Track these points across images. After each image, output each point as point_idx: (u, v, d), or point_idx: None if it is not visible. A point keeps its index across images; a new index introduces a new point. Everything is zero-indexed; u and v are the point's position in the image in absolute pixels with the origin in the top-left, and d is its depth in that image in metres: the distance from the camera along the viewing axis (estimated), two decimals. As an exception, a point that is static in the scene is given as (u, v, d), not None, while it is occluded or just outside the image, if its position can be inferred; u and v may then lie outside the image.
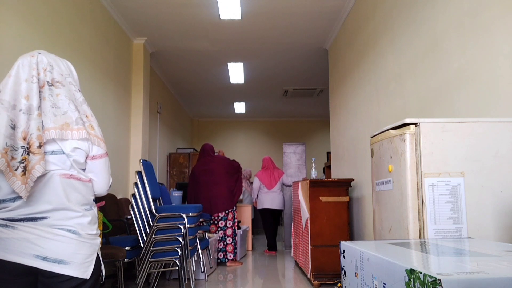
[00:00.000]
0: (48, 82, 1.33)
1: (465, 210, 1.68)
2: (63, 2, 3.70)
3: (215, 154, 5.61)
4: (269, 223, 6.31)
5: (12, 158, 1.22)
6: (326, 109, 9.39)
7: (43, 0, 3.35)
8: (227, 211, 5.20)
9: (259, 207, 6.37)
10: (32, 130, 1.24)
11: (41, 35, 3.33)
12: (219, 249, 5.19)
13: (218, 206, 5.12)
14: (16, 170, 1.21)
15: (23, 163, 1.21)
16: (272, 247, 6.30)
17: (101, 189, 1.43)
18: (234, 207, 5.28)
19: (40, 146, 1.23)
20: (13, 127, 1.24)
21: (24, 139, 1.23)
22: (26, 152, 1.22)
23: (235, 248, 5.22)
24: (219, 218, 5.19)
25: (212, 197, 5.13)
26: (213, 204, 5.12)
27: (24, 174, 1.21)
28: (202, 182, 5.19)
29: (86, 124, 1.36)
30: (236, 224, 5.30)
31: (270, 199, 6.24)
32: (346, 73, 5.04)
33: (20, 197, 1.25)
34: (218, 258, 5.18)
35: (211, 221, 5.19)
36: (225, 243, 5.17)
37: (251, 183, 7.67)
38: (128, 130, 5.54)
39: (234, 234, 5.22)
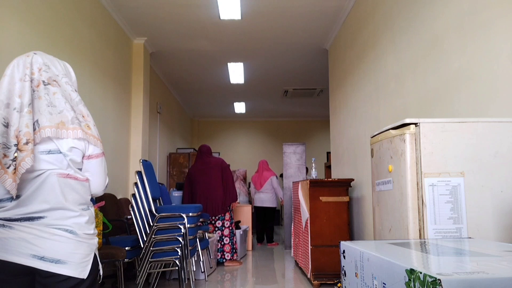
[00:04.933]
0: (44, 81, 1.32)
1: (465, 210, 1.68)
2: (63, 2, 3.70)
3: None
4: (259, 220, 7.25)
5: (5, 155, 1.21)
6: (326, 109, 9.41)
7: (43, 0, 3.35)
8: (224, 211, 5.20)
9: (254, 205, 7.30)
10: (21, 127, 1.23)
11: (41, 35, 3.32)
12: (217, 249, 5.18)
13: (214, 209, 5.12)
14: (8, 168, 1.20)
15: (15, 161, 1.21)
16: (260, 239, 7.34)
17: (98, 188, 1.43)
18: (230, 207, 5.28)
19: (27, 143, 1.22)
20: (6, 125, 1.23)
21: (17, 137, 1.23)
22: (17, 150, 1.22)
23: (232, 248, 5.21)
24: (217, 218, 5.19)
25: (209, 198, 5.13)
26: (209, 206, 5.12)
27: (15, 172, 1.20)
28: (199, 182, 5.17)
29: (82, 124, 1.35)
30: (233, 224, 5.29)
31: (258, 199, 7.18)
32: (346, 73, 5.04)
33: (17, 197, 1.25)
34: (217, 258, 5.18)
35: (209, 221, 5.19)
36: (222, 243, 5.16)
37: (247, 183, 8.19)
38: (128, 130, 5.54)
39: (231, 234, 5.21)
